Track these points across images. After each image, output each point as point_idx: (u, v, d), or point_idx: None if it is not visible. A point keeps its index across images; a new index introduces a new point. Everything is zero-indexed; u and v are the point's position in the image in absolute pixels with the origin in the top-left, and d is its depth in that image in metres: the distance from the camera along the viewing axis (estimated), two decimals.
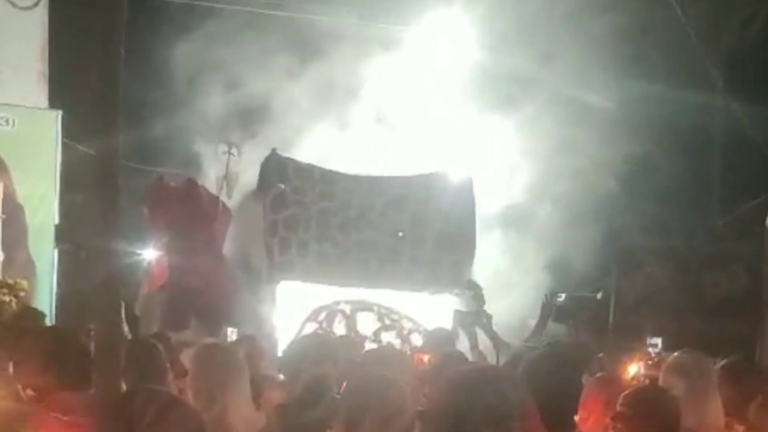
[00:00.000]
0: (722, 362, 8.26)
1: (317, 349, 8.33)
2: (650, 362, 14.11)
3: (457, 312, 15.57)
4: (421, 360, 10.76)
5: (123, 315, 12.13)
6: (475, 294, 15.85)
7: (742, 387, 7.79)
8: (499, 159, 17.74)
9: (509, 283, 16.97)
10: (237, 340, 10.93)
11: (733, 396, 7.71)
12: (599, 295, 17.07)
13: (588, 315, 16.64)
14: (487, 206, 17.34)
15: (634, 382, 10.42)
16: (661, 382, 7.90)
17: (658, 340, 15.35)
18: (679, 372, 7.88)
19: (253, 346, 10.29)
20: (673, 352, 8.46)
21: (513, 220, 17.54)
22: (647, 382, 11.01)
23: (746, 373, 8.20)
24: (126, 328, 12.12)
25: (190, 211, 15.16)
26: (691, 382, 7.65)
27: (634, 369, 10.75)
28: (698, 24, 17.71)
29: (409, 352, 14.56)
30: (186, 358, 7.79)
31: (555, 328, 16.14)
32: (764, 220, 16.26)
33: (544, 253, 17.48)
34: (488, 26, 17.64)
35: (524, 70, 17.35)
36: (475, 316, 15.45)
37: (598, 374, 8.35)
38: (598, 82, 17.11)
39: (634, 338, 15.29)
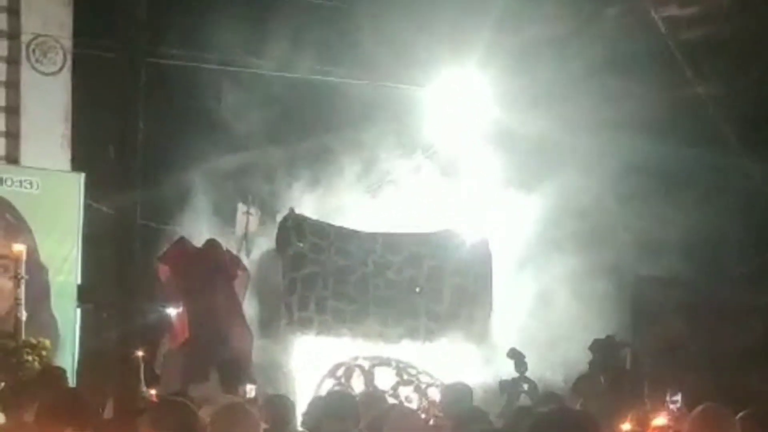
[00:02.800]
0: (743, 414, 8.40)
1: (339, 406, 8.50)
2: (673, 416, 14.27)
3: (503, 381, 15.70)
4: (438, 416, 10.86)
5: (142, 373, 12.46)
6: (517, 361, 15.97)
7: None
8: (515, 217, 17.84)
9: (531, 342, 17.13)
10: (265, 402, 11.03)
11: None
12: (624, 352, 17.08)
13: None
14: (504, 264, 17.47)
15: None
16: None
17: (678, 396, 15.43)
18: (704, 424, 8.06)
19: (280, 405, 10.40)
20: (693, 406, 8.58)
21: (529, 277, 17.60)
22: None
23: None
24: (145, 387, 12.37)
25: (210, 270, 15.33)
26: None
27: (660, 421, 10.81)
28: (712, 83, 17.91)
29: (427, 406, 14.77)
30: (206, 414, 7.94)
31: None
32: None
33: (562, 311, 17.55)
34: (505, 85, 17.86)
35: (539, 129, 17.55)
36: (518, 382, 15.58)
37: None
38: (614, 139, 17.25)
39: (654, 392, 15.43)
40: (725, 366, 16.72)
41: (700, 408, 8.34)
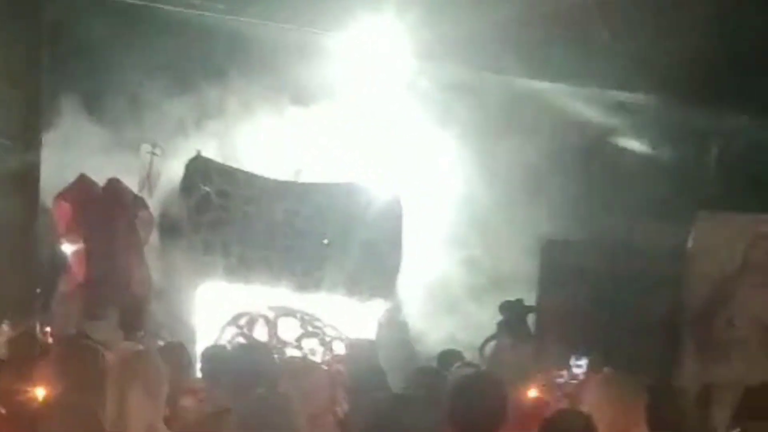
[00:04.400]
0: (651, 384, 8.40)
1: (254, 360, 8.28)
2: (574, 381, 14.21)
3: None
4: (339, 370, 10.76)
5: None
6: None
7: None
8: (428, 171, 17.61)
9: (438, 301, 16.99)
10: (162, 347, 10.66)
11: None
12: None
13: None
14: (415, 220, 17.25)
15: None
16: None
17: (583, 361, 15.38)
18: (607, 390, 8.06)
19: (176, 352, 10.06)
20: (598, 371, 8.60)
21: (440, 233, 17.40)
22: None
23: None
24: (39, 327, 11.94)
25: (111, 209, 14.91)
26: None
27: (533, 393, 10.83)
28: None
29: (330, 360, 14.52)
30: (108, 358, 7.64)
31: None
32: (686, 241, 16.29)
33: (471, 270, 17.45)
34: (422, 34, 17.49)
35: (456, 79, 17.31)
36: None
37: None
38: (532, 91, 17.12)
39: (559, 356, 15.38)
40: (632, 333, 16.68)
41: (602, 374, 8.38)
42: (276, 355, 11.06)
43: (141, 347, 9.97)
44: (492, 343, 15.93)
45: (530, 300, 16.98)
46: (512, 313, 16.28)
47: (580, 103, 17.60)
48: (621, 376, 8.43)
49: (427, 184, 17.51)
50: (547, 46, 16.79)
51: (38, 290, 12.26)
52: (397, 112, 17.78)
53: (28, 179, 14.91)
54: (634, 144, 18.69)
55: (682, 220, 16.09)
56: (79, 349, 7.86)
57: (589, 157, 18.31)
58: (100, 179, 15.16)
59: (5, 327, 12.52)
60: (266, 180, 16.56)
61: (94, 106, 16.09)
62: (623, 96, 18.00)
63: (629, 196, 17.86)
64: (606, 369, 9.96)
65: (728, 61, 16.08)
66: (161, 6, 16.60)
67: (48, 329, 12.02)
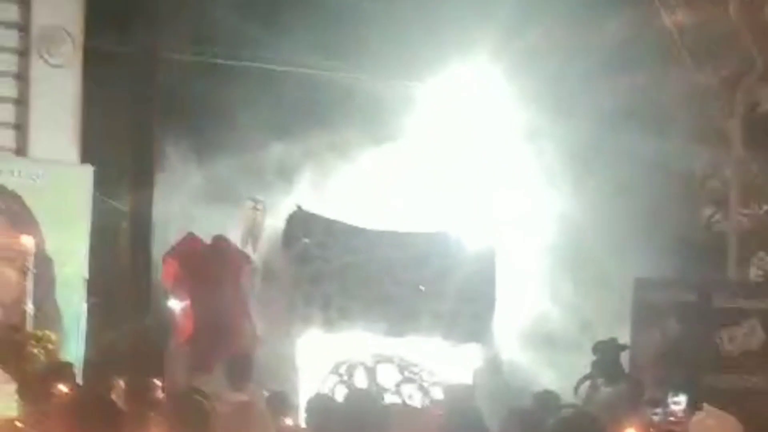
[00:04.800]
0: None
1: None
2: (671, 419, 14.34)
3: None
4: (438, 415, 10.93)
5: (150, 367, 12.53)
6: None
7: None
8: (519, 217, 17.92)
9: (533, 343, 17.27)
10: (268, 397, 11.10)
11: None
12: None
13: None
14: (508, 265, 17.56)
15: None
16: None
17: (681, 398, 15.49)
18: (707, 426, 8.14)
19: (281, 402, 10.45)
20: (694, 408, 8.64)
21: (535, 279, 17.68)
22: None
23: None
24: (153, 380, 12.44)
25: (217, 266, 15.48)
26: None
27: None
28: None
29: (429, 404, 14.84)
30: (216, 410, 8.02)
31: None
32: None
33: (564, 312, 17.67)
34: (514, 82, 17.94)
35: (546, 126, 17.64)
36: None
37: None
38: (618, 137, 17.35)
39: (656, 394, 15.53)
40: (726, 368, 16.76)
41: (701, 411, 8.41)
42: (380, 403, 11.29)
43: (248, 399, 10.43)
44: (587, 383, 16.11)
45: (623, 338, 17.09)
46: (606, 352, 16.39)
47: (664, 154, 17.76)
48: (719, 412, 8.48)
49: (519, 229, 17.81)
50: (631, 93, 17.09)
51: (149, 345, 12.77)
52: (489, 159, 18.16)
53: (139, 238, 15.52)
54: None
55: None
56: (189, 403, 8.23)
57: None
58: (206, 234, 15.80)
59: (121, 382, 13.13)
60: (365, 231, 17.04)
61: (200, 162, 16.70)
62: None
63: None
64: (704, 405, 9.90)
65: None
66: (268, 66, 17.26)
67: (160, 383, 12.48)
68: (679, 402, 15.76)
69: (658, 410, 15.28)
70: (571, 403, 14.39)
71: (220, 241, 15.69)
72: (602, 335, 16.73)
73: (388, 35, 17.03)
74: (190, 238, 15.48)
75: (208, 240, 15.72)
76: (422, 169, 18.00)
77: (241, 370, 14.08)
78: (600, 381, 16.11)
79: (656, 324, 17.42)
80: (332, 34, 17.54)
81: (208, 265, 15.40)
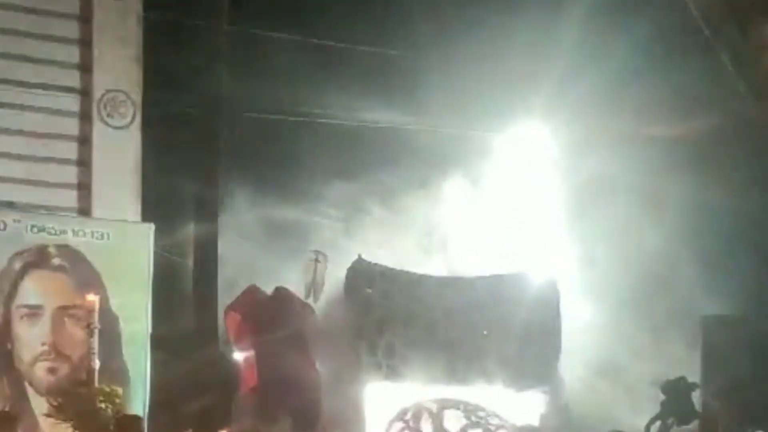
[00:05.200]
0: None
1: None
2: None
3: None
4: None
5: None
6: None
7: None
8: (581, 259, 17.89)
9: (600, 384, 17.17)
10: None
11: None
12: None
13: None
14: (573, 306, 17.52)
15: None
16: None
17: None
18: None
19: None
20: None
21: (598, 319, 17.60)
22: None
23: None
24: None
25: (279, 317, 15.60)
26: None
27: None
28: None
29: None
30: None
31: None
32: None
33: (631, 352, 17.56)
34: (569, 133, 18.02)
35: (606, 173, 17.66)
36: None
37: None
38: (676, 179, 17.30)
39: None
40: None
41: None
42: None
43: None
44: (657, 423, 16.02)
45: (693, 378, 16.96)
46: (675, 391, 16.31)
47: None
48: None
49: (581, 270, 17.77)
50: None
51: (216, 398, 12.91)
52: (553, 205, 18.22)
53: (203, 292, 15.75)
54: None
55: None
56: None
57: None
58: (268, 286, 15.94)
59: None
60: (425, 277, 17.10)
61: (264, 215, 16.76)
62: None
63: None
64: None
65: None
66: (329, 121, 17.48)
67: None
68: None
69: None
70: None
71: (281, 292, 15.81)
72: (671, 374, 16.65)
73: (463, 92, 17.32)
74: (252, 290, 15.61)
75: (269, 291, 15.83)
76: (486, 215, 18.06)
77: (307, 419, 14.20)
78: (670, 421, 16.03)
79: (726, 362, 17.31)
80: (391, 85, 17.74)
81: (270, 316, 15.53)
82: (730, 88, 17.36)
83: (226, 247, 16.28)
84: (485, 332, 16.86)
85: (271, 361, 15.23)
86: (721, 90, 17.59)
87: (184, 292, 15.75)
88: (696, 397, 16.75)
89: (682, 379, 16.56)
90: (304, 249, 16.89)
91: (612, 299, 17.52)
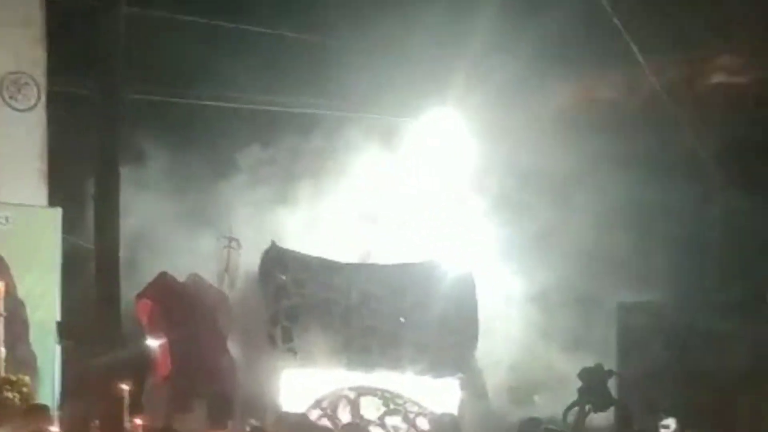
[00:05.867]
0: None
1: None
2: None
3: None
4: None
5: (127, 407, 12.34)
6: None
7: None
8: (498, 248, 17.82)
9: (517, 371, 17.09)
10: None
11: None
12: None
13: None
14: (489, 294, 17.42)
15: None
16: None
17: (671, 420, 15.41)
18: None
19: None
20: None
21: (516, 304, 17.55)
22: None
23: None
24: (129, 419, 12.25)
25: (192, 304, 15.28)
26: None
27: None
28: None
29: None
30: None
31: None
32: (765, 297, 16.35)
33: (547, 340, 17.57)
34: (482, 119, 17.93)
35: (519, 161, 17.60)
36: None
37: None
38: (593, 170, 17.31)
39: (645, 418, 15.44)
40: (712, 391, 16.69)
41: None
42: None
43: None
44: (575, 410, 16.00)
45: (609, 364, 16.98)
46: (592, 378, 16.30)
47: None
48: None
49: (496, 257, 17.66)
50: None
51: (127, 385, 12.58)
52: (468, 190, 18.08)
53: (106, 279, 15.33)
54: None
55: None
56: None
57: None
58: (180, 273, 15.58)
59: (97, 423, 12.91)
60: (340, 264, 16.86)
61: (171, 199, 16.45)
62: None
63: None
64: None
65: None
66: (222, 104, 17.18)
67: (138, 422, 12.26)
68: (667, 426, 15.73)
69: None
70: (558, 430, 14.31)
71: (193, 279, 15.50)
72: (588, 361, 16.65)
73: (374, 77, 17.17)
74: (163, 278, 15.26)
75: (181, 278, 15.50)
76: (399, 202, 17.90)
77: (221, 407, 13.91)
78: (588, 407, 16.03)
79: (643, 348, 17.38)
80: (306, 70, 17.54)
81: (183, 303, 15.19)
82: (640, 74, 17.51)
83: (131, 233, 15.88)
84: (402, 319, 16.68)
85: (184, 348, 14.92)
86: (632, 77, 17.73)
87: (90, 279, 15.28)
88: (612, 384, 16.74)
89: (599, 366, 16.55)
90: (213, 233, 16.58)
91: (529, 286, 17.49)
